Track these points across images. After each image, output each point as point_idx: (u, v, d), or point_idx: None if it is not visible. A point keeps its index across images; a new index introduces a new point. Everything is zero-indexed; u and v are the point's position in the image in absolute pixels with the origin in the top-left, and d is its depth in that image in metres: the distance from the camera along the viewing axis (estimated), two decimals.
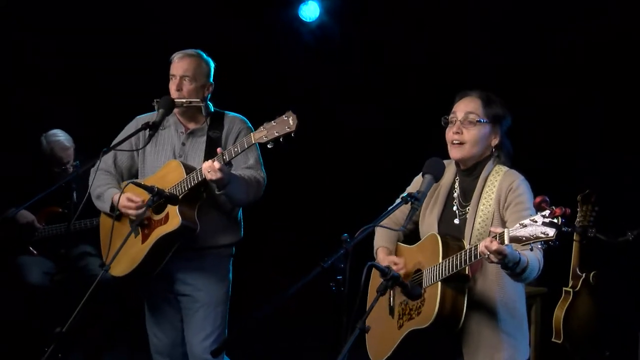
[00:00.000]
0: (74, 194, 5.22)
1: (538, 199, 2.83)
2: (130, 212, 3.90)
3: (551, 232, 2.77)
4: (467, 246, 3.18)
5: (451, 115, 3.32)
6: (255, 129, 3.70)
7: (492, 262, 2.98)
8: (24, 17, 5.83)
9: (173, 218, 3.83)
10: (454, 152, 3.31)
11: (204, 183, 3.80)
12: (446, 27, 5.61)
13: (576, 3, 5.27)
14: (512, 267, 2.99)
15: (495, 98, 3.32)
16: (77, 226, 5.31)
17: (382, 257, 3.45)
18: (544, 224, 2.78)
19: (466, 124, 3.27)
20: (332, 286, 2.88)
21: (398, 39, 5.81)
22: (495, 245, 2.90)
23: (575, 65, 5.29)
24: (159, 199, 3.80)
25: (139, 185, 3.85)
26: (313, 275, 2.77)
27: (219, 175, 3.71)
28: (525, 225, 2.83)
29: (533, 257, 3.05)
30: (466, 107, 3.28)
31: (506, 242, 2.88)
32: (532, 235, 2.81)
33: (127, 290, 5.11)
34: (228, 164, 3.76)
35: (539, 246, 2.84)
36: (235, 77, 5.86)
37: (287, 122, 3.59)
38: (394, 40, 5.85)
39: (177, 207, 3.81)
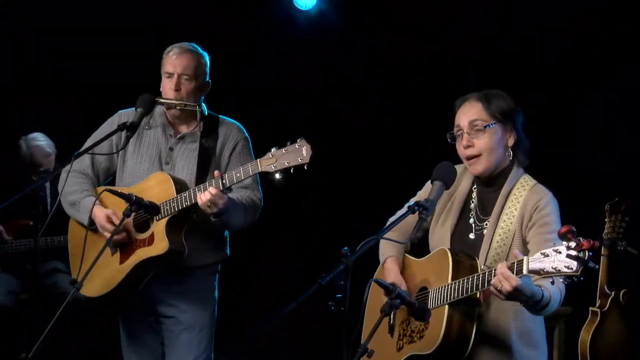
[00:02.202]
0: (48, 204, 5.23)
1: (564, 229, 2.81)
2: (107, 235, 3.83)
3: (576, 266, 2.75)
4: (480, 267, 3.17)
5: (456, 129, 3.30)
6: (260, 155, 3.61)
7: (505, 298, 2.95)
8: (24, 17, 5.97)
9: (160, 241, 3.79)
10: (474, 168, 3.28)
11: (197, 206, 3.74)
12: (446, 27, 5.75)
13: (576, 3, 5.38)
14: (533, 305, 2.99)
15: (496, 93, 3.31)
16: (48, 242, 5.28)
17: (391, 268, 3.40)
18: (568, 256, 2.76)
19: (474, 134, 3.25)
20: (331, 305, 2.88)
21: (397, 37, 5.90)
22: (514, 282, 2.88)
23: (576, 66, 5.39)
24: (137, 209, 3.77)
25: (114, 192, 3.81)
26: (310, 293, 2.77)
27: (220, 207, 3.68)
28: (548, 255, 2.81)
29: (555, 291, 3.03)
30: (468, 116, 3.27)
31: (525, 271, 2.87)
32: (554, 268, 2.79)
33: (101, 311, 5.11)
34: (228, 189, 3.71)
35: (560, 280, 2.83)
36: (226, 73, 5.91)
37: (300, 153, 3.52)
38: (393, 38, 5.92)
39: (164, 228, 3.77)
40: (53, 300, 5.07)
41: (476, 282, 3.05)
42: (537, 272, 2.84)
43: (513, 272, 2.91)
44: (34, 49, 6.05)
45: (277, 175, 3.56)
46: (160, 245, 3.79)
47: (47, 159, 5.46)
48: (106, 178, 4.10)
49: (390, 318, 3.39)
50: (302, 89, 6.01)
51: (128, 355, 4.13)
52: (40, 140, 5.49)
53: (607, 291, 4.87)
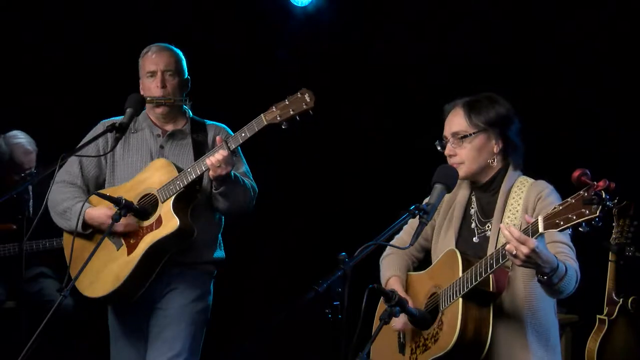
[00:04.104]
0: (30, 208, 5.21)
1: (577, 172, 2.81)
2: (120, 227, 3.88)
3: (594, 209, 2.74)
4: None
5: (444, 139, 3.40)
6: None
7: (521, 263, 2.94)
8: (24, 17, 6.09)
9: (169, 220, 3.85)
10: (459, 174, 3.32)
11: (200, 180, 3.86)
12: (446, 27, 5.83)
13: (576, 3, 5.47)
14: (550, 275, 2.99)
15: (484, 99, 3.38)
16: (33, 247, 5.27)
17: (393, 285, 3.45)
18: (584, 201, 2.76)
19: (456, 143, 3.34)
20: (328, 313, 2.88)
21: (396, 38, 5.97)
22: (530, 243, 2.89)
23: (575, 65, 5.46)
24: (127, 213, 3.80)
25: (103, 196, 3.84)
26: (306, 300, 2.76)
27: (229, 169, 3.77)
28: (562, 207, 2.83)
29: (571, 267, 3.07)
30: (450, 127, 3.37)
31: (541, 229, 2.89)
32: (571, 217, 2.78)
33: (93, 319, 5.10)
34: (233, 153, 3.80)
35: (580, 229, 2.81)
36: (224, 72, 5.94)
37: (304, 100, 3.67)
38: (391, 38, 5.99)
39: (171, 207, 3.85)
40: (39, 308, 5.06)
41: (490, 262, 3.07)
42: (555, 225, 2.84)
43: (528, 236, 2.92)
44: (34, 49, 6.12)
45: (283, 126, 3.70)
46: (170, 224, 3.85)
47: (27, 157, 5.45)
48: (96, 187, 4.12)
49: (400, 336, 3.42)
50: (300, 89, 6.03)
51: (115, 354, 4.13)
52: (20, 138, 5.48)
53: (615, 298, 4.87)
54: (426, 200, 3.45)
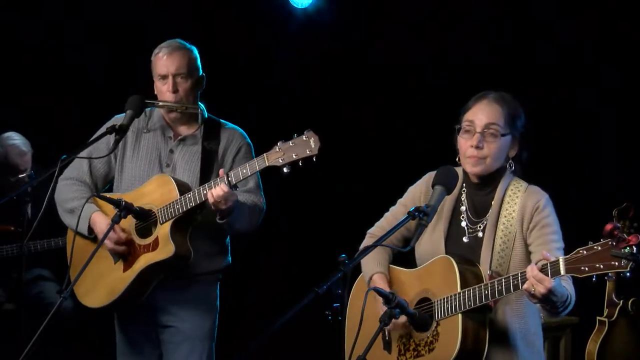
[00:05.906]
0: (28, 210, 5.19)
1: (609, 226, 2.83)
2: (109, 242, 3.83)
3: (624, 264, 2.75)
4: (485, 272, 3.18)
5: (467, 124, 3.28)
6: (268, 149, 3.60)
7: (537, 301, 2.96)
8: (25, 16, 6.10)
9: (165, 245, 3.78)
10: (473, 167, 3.27)
11: (202, 206, 3.76)
12: (446, 27, 5.84)
13: (576, 3, 5.47)
14: (558, 306, 3.01)
15: (509, 96, 3.32)
16: (32, 248, 5.26)
17: (378, 283, 3.39)
18: (614, 253, 2.77)
19: (487, 137, 3.24)
20: (328, 315, 2.89)
21: (396, 38, 5.97)
22: (548, 284, 2.88)
23: (575, 65, 5.46)
24: (127, 215, 3.76)
25: (103, 198, 3.81)
26: (306, 302, 2.76)
27: (230, 204, 3.67)
28: (587, 253, 2.82)
29: (572, 291, 3.07)
30: (486, 117, 3.25)
31: (562, 272, 2.88)
32: (599, 266, 2.78)
33: (93, 322, 5.10)
34: (234, 187, 3.70)
35: (606, 278, 2.84)
36: (223, 73, 5.92)
37: (308, 145, 3.52)
38: (391, 38, 5.99)
39: (169, 231, 3.76)
40: (39, 311, 5.05)
41: (498, 287, 3.05)
42: (578, 271, 2.83)
43: (547, 275, 2.91)
44: (34, 49, 6.13)
45: (285, 169, 3.57)
46: (166, 249, 3.78)
47: (22, 158, 5.43)
48: (104, 185, 4.08)
49: (385, 334, 3.37)
50: (300, 89, 6.03)
51: None
52: (15, 139, 5.46)
53: (615, 300, 4.86)
54: (401, 201, 3.47)
